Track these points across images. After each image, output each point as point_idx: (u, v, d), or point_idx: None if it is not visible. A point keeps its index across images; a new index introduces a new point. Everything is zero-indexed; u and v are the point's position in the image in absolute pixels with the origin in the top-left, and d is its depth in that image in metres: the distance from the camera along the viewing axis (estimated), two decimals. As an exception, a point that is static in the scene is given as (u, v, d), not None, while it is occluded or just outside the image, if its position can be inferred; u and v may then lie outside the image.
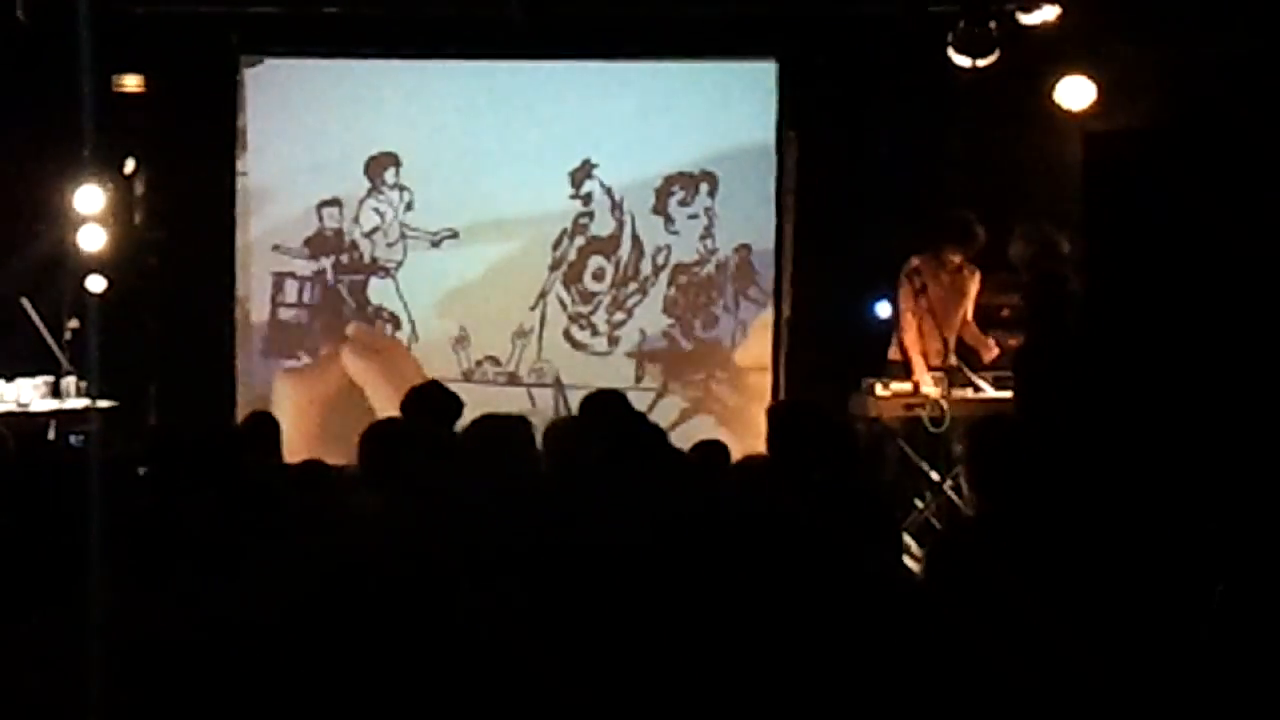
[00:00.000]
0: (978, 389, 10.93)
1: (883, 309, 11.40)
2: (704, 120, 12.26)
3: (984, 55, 10.78)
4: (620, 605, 5.03)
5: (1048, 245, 10.83)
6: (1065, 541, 5.08)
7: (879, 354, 11.36)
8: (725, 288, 12.34)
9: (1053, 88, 10.72)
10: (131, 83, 11.91)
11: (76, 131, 10.11)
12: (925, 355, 11.10)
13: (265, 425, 8.62)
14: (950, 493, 10.77)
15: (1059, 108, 10.72)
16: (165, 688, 4.62)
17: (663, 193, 12.28)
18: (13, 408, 10.67)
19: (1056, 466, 5.16)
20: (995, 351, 11.14)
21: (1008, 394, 10.03)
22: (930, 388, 10.87)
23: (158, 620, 4.78)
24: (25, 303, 11.12)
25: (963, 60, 10.87)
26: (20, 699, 4.66)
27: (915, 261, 11.13)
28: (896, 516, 7.70)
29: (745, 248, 12.31)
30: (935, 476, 10.91)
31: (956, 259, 11.21)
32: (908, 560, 6.02)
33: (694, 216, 12.33)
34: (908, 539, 7.71)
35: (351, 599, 4.92)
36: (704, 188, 12.31)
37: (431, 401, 8.45)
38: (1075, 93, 10.67)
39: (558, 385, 12.22)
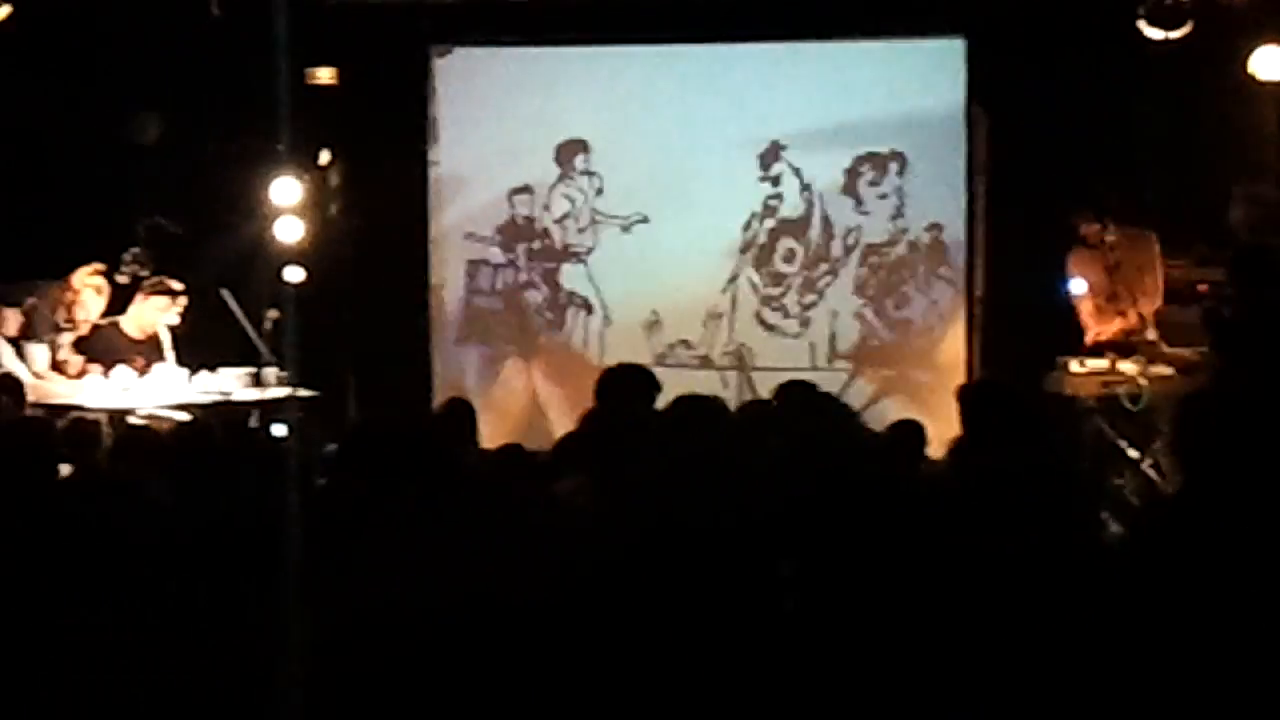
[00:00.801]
0: (1176, 365, 10.72)
1: (1077, 285, 11.23)
2: (892, 99, 12.15)
3: (1176, 28, 10.59)
4: (820, 585, 5.01)
5: (1271, 209, 10.59)
6: (1270, 522, 4.97)
7: (1074, 331, 11.20)
8: (917, 267, 12.24)
9: (1247, 59, 10.50)
10: (324, 75, 12.07)
11: (271, 124, 10.21)
12: (1120, 331, 10.92)
13: (462, 411, 8.69)
14: (1150, 470, 10.58)
15: (1254, 79, 10.50)
16: (368, 680, 4.66)
17: (852, 173, 12.21)
18: (216, 397, 10.85)
19: (1262, 445, 5.03)
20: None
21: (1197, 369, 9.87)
22: (1127, 365, 10.70)
23: (361, 610, 4.82)
24: (226, 294, 11.30)
25: (1154, 33, 10.67)
26: (223, 690, 4.73)
27: (1106, 235, 10.95)
28: (1094, 495, 7.59)
29: (936, 226, 12.19)
30: (1134, 454, 10.73)
31: (1146, 233, 11.03)
32: (1107, 539, 5.94)
33: (884, 196, 12.24)
34: (1106, 517, 7.60)
35: (559, 586, 4.93)
36: (893, 167, 12.21)
37: (629, 383, 8.44)
38: (1271, 63, 10.45)
39: (750, 368, 12.19)
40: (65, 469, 7.30)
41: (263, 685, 4.28)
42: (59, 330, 11.02)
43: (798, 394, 7.72)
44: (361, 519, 5.44)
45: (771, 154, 12.20)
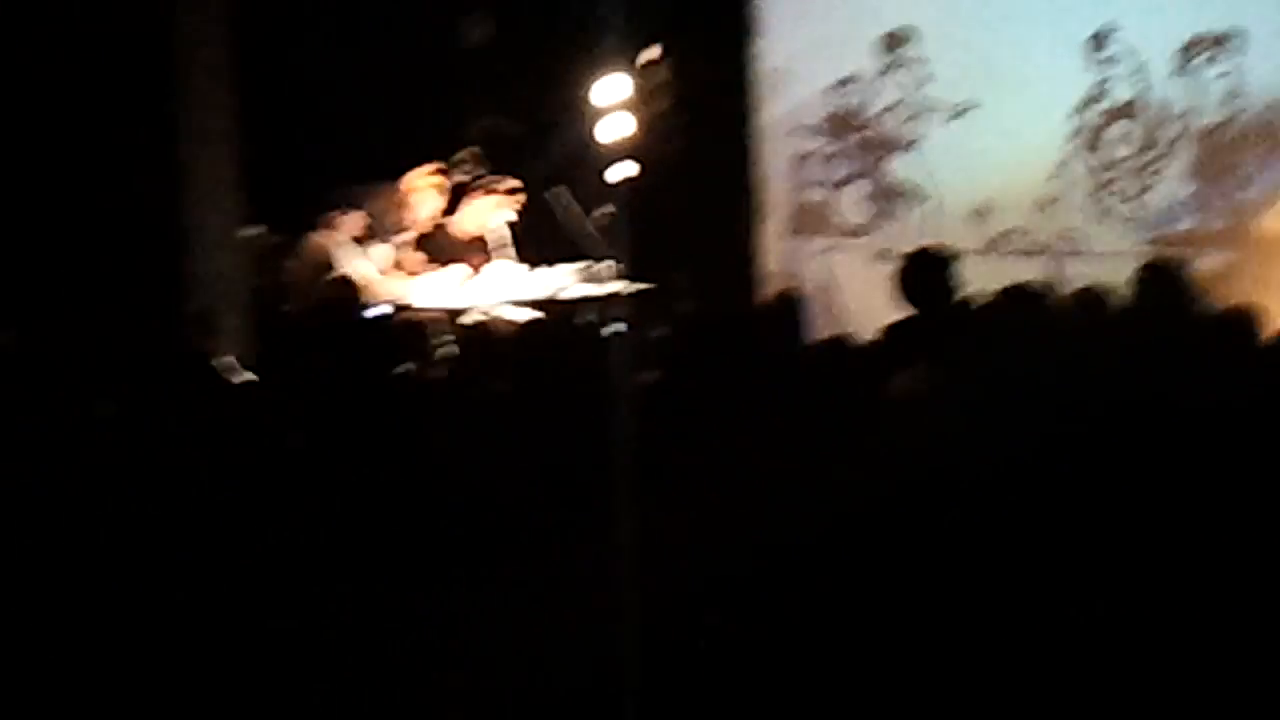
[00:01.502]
0: None
1: None
2: (1229, -26, 11.78)
3: None
4: (1176, 478, 4.92)
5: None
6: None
7: None
8: (1256, 147, 11.85)
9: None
10: (649, -27, 12.09)
11: (600, 22, 10.29)
12: None
13: (793, 303, 8.65)
14: None
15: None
16: (704, 581, 4.68)
17: (1187, 53, 11.85)
18: (551, 294, 10.99)
19: None
20: None
21: None
22: None
23: (697, 510, 4.84)
24: (559, 191, 11.42)
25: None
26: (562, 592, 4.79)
27: None
28: None
29: (1277, 105, 11.79)
30: None
31: None
32: None
33: (1221, 75, 11.85)
34: None
35: (904, 483, 4.89)
36: (1230, 45, 11.81)
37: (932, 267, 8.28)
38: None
39: (1083, 253, 11.98)
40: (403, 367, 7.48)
41: (600, 586, 4.34)
42: (400, 230, 11.24)
43: (1149, 275, 7.57)
44: (694, 415, 5.47)
45: (1103, 36, 11.90)
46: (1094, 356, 6.30)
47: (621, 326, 8.07)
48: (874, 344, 7.60)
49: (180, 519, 5.43)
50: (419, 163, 11.25)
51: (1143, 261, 7.96)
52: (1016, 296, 7.23)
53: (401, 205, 11.23)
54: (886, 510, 4.90)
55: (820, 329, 9.11)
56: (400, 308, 10.48)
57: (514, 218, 11.44)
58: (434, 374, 7.69)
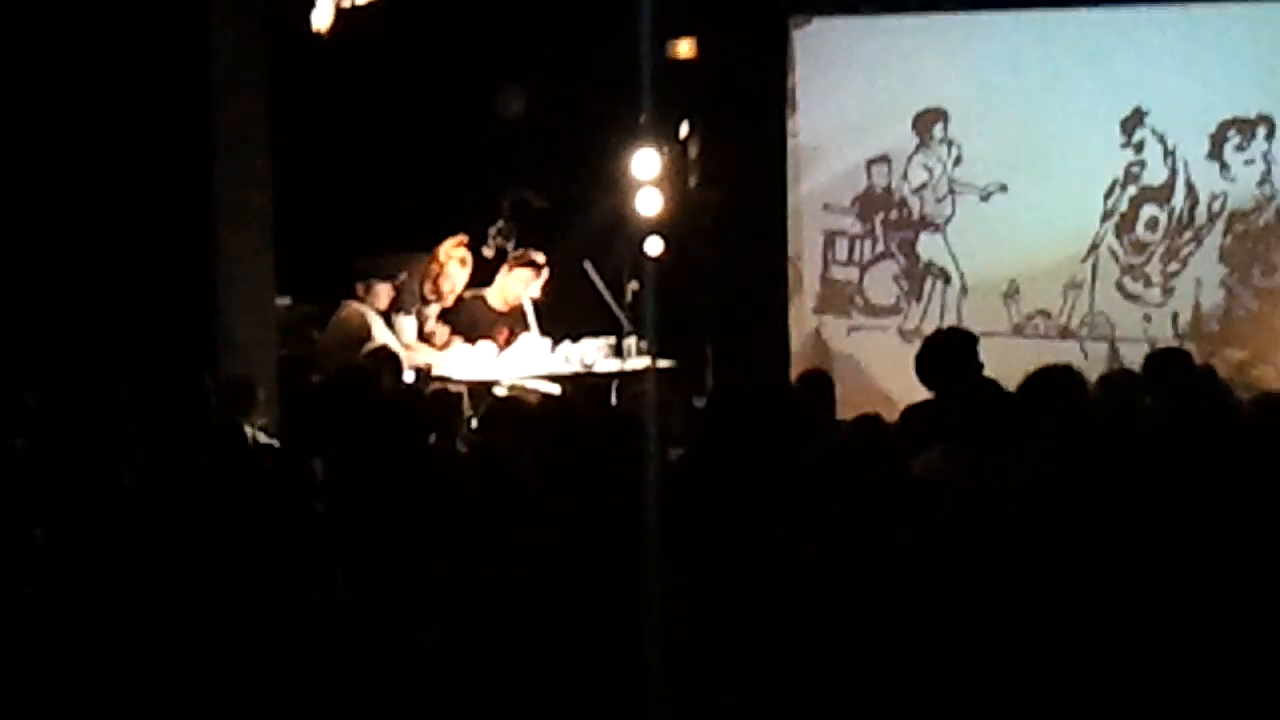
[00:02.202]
0: None
1: None
2: (1260, 62, 11.80)
3: None
4: (1200, 562, 4.92)
5: None
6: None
7: None
8: (1285, 237, 11.89)
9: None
10: (684, 48, 12.17)
11: (633, 98, 10.38)
12: None
13: (820, 383, 8.66)
14: None
15: None
16: (740, 658, 4.68)
17: (1217, 139, 11.89)
18: (578, 368, 11.02)
19: None
20: None
21: None
22: None
23: (730, 591, 4.83)
24: (588, 266, 11.46)
25: None
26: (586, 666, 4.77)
27: None
28: None
29: (1308, 194, 11.83)
30: None
31: None
32: None
33: (1250, 162, 11.90)
34: None
35: (933, 564, 4.88)
36: (1261, 131, 11.87)
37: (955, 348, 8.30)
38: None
39: (1111, 338, 11.98)
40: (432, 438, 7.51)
41: (628, 669, 4.33)
42: (425, 302, 11.27)
43: (1165, 363, 7.58)
44: (720, 494, 5.45)
45: (1134, 120, 11.95)
46: (1120, 444, 6.28)
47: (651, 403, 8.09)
48: (899, 425, 7.59)
49: (205, 588, 5.44)
50: (450, 234, 11.27)
51: (1160, 349, 7.96)
52: (1043, 381, 7.20)
53: (430, 276, 11.24)
54: (914, 593, 4.88)
55: (847, 409, 9.12)
56: (431, 378, 10.50)
57: (539, 294, 11.45)
58: (463, 446, 7.71)
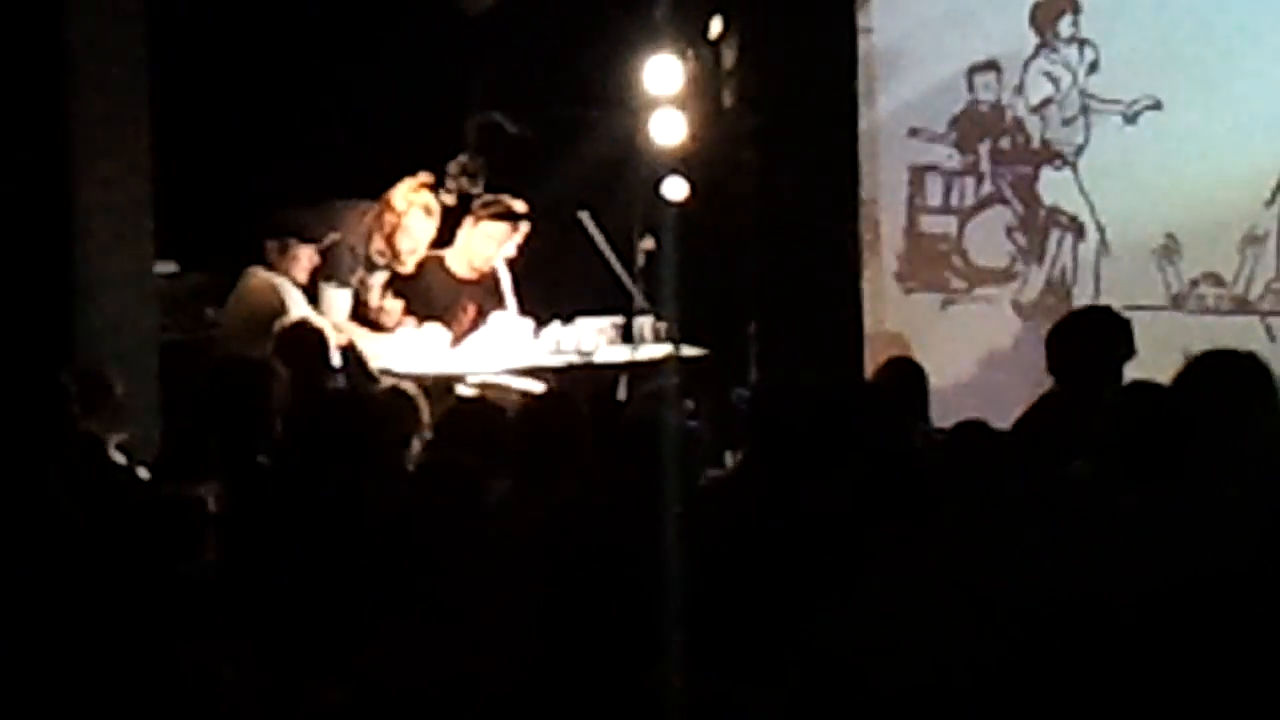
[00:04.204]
0: None
1: None
2: None
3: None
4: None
5: None
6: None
7: None
8: None
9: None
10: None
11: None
12: None
13: (909, 376, 8.65)
14: None
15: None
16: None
17: None
18: (573, 358, 10.97)
19: None
20: None
21: None
22: None
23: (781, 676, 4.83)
24: (585, 217, 11.42)
25: None
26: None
27: None
28: None
29: None
30: None
31: None
32: None
33: None
34: None
35: (1077, 632, 4.94)
36: None
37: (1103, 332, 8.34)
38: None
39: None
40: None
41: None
42: (372, 267, 11.23)
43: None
44: (779, 530, 5.44)
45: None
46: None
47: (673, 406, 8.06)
48: (1015, 435, 7.59)
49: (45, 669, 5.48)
50: (396, 176, 11.23)
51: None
52: (1213, 372, 7.15)
53: (386, 232, 11.20)
54: (1070, 665, 4.94)
55: (943, 413, 9.06)
56: (368, 372, 10.46)
57: (515, 253, 11.40)
58: (419, 464, 7.68)
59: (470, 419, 8.09)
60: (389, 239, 11.24)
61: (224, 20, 11.61)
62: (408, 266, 11.24)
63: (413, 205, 11.23)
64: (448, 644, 5.41)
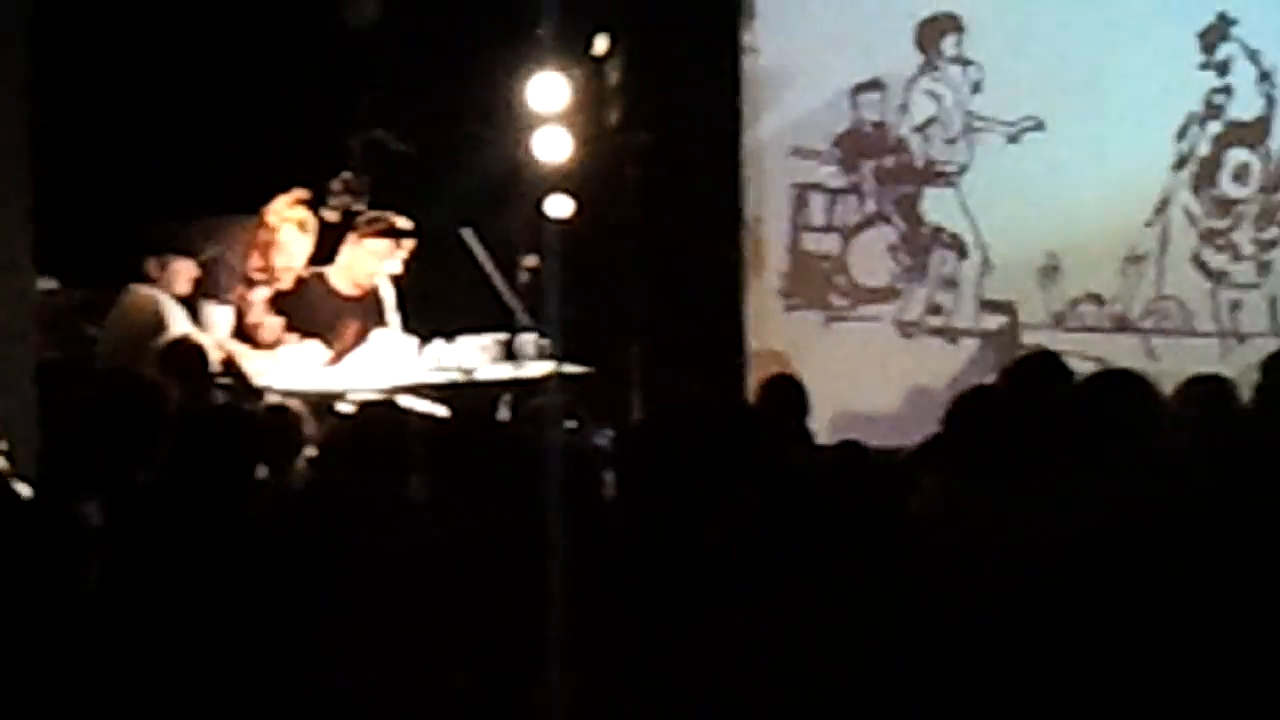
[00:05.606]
0: None
1: None
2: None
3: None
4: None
5: None
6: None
7: None
8: None
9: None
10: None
11: (530, 3, 10.31)
12: None
13: (790, 394, 8.66)
14: None
15: None
16: None
17: (1333, 55, 11.97)
18: (456, 376, 10.96)
19: None
20: None
21: None
22: None
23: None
24: (468, 235, 11.41)
25: None
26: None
27: None
28: None
29: None
30: None
31: None
32: None
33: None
34: None
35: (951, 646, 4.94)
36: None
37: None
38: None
39: (1186, 331, 12.02)
40: (262, 472, 7.45)
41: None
42: (251, 284, 11.19)
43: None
44: (661, 552, 5.44)
45: (1217, 31, 11.99)
46: (1211, 476, 6.30)
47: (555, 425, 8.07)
48: (909, 453, 7.60)
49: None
50: (280, 192, 11.19)
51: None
52: (1100, 389, 7.20)
53: (260, 248, 11.15)
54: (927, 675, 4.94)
55: (828, 431, 9.09)
56: (249, 388, 10.43)
57: (400, 270, 11.38)
58: (302, 485, 7.66)
59: (350, 436, 8.07)
60: (264, 255, 11.20)
61: (106, 34, 11.55)
62: (284, 283, 11.20)
63: (287, 221, 11.19)
64: (332, 659, 5.39)
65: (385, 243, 11.31)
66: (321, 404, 10.32)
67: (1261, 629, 5.19)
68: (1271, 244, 12.08)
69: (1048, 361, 7.70)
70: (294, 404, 9.32)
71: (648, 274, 12.38)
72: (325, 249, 11.38)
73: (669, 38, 12.30)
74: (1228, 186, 12.10)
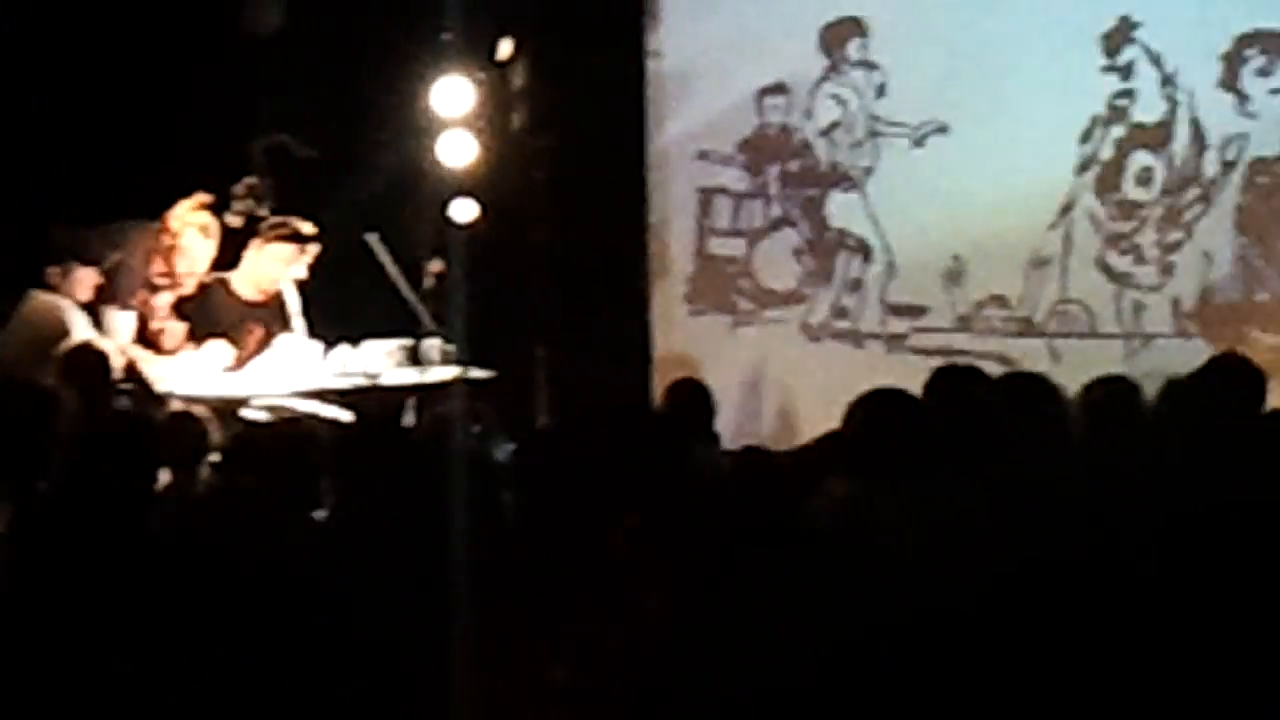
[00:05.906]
0: None
1: None
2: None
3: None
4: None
5: None
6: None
7: None
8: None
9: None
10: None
11: (434, 7, 10.30)
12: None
13: (695, 399, 8.65)
14: None
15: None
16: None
17: (1233, 59, 11.98)
18: (360, 380, 10.93)
19: None
20: None
21: None
22: None
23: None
24: (373, 239, 11.38)
25: None
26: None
27: None
28: None
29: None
30: None
31: None
32: None
33: (1277, 91, 12.00)
34: None
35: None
36: (1292, 50, 11.99)
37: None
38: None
39: (1090, 334, 12.05)
40: (164, 478, 7.42)
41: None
42: (154, 290, 11.13)
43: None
44: (567, 559, 5.44)
45: (1120, 35, 12.02)
46: (1115, 477, 6.33)
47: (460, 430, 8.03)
48: (808, 454, 7.61)
49: None
50: (182, 197, 11.13)
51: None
52: (1006, 392, 7.24)
53: (161, 252, 11.09)
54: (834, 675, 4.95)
55: (734, 436, 9.09)
56: (154, 396, 10.37)
57: (305, 275, 11.34)
58: (206, 490, 7.63)
59: (254, 443, 8.04)
60: (167, 260, 11.13)
61: (1, 39, 11.48)
62: (187, 288, 11.13)
63: (190, 226, 11.13)
64: (234, 667, 5.38)
65: (289, 248, 11.26)
66: (226, 409, 10.28)
67: (1165, 623, 5.22)
68: (1174, 246, 12.10)
69: (966, 370, 7.70)
70: (198, 410, 9.26)
71: (553, 278, 12.38)
72: (229, 254, 11.32)
73: (573, 41, 12.29)
74: (1131, 190, 12.13)
